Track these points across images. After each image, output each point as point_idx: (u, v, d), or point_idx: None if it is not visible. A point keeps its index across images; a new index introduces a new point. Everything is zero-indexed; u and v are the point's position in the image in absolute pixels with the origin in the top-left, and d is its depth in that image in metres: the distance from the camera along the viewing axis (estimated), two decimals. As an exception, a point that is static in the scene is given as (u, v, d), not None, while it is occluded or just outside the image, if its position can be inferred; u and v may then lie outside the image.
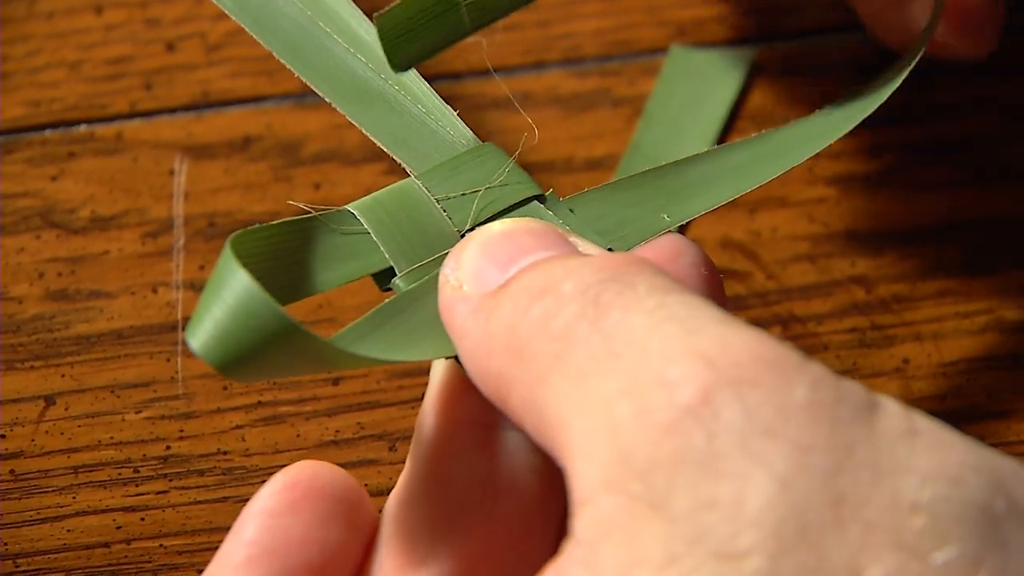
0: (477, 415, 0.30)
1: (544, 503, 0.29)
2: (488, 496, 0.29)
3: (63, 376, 0.39)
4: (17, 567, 0.37)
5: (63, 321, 0.39)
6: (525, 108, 0.42)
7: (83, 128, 0.42)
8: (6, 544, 0.37)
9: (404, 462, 0.38)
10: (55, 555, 0.37)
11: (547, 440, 0.26)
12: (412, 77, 0.34)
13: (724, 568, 0.22)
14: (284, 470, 0.30)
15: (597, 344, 0.25)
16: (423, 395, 0.39)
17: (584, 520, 0.24)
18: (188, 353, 0.39)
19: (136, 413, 0.38)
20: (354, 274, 0.31)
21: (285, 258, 0.30)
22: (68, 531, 0.37)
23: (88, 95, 0.42)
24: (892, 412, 0.23)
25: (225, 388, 0.39)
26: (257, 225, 0.29)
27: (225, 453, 0.38)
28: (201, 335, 0.26)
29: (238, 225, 0.40)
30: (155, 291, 0.40)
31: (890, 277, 0.40)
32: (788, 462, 0.22)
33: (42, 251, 0.40)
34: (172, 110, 0.42)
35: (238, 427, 0.38)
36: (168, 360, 0.39)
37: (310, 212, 0.31)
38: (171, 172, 0.41)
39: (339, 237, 0.31)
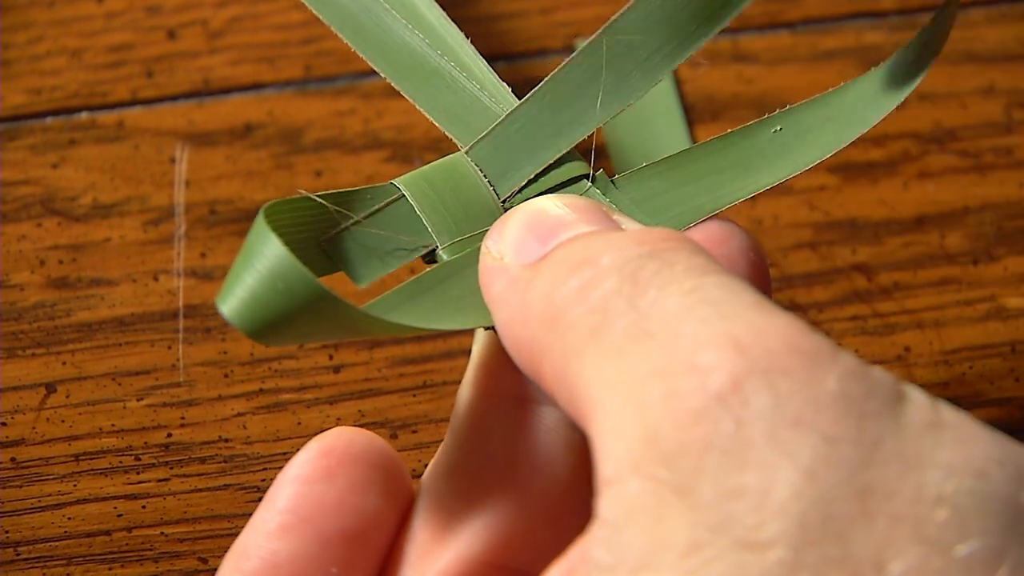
0: (516, 390, 0.30)
1: (580, 481, 0.29)
2: (525, 471, 0.29)
3: (64, 364, 0.39)
4: (18, 555, 0.37)
5: (64, 309, 0.39)
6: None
7: (84, 115, 0.42)
8: (7, 532, 0.37)
9: (405, 451, 0.38)
10: (56, 543, 0.37)
11: (577, 414, 0.26)
12: (470, 54, 0.33)
13: (747, 557, 0.22)
14: (320, 436, 0.30)
15: (632, 322, 0.25)
16: (424, 383, 0.39)
17: (609, 501, 0.24)
18: (189, 340, 0.39)
19: (137, 400, 0.39)
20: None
21: (320, 230, 0.30)
22: (69, 519, 0.37)
23: (89, 83, 0.42)
24: (919, 403, 0.23)
25: (226, 376, 0.39)
26: (292, 196, 0.29)
27: (226, 441, 0.38)
28: (232, 302, 0.26)
29: (239, 213, 0.40)
30: (156, 279, 0.40)
31: (891, 265, 0.40)
32: (815, 453, 0.22)
33: (43, 239, 0.40)
34: (173, 98, 0.42)
35: (239, 414, 0.38)
36: (169, 347, 0.39)
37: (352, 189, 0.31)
38: (172, 160, 0.41)
39: (378, 213, 0.31)
